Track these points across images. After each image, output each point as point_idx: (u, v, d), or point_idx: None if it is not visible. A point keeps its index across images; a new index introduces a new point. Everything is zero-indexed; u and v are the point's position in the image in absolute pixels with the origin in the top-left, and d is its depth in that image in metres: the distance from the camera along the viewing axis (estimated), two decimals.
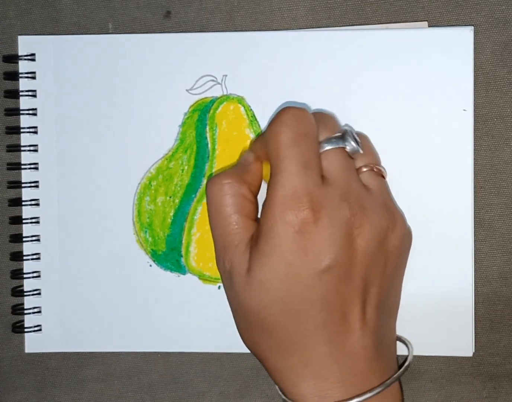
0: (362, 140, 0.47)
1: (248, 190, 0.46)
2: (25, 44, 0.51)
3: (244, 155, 0.48)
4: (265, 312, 0.43)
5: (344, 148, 0.45)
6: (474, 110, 0.50)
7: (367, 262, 0.44)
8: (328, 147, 0.45)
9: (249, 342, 0.46)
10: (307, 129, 0.44)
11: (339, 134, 0.45)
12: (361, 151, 0.46)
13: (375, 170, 0.47)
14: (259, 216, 0.47)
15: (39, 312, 0.52)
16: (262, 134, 0.47)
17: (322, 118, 0.46)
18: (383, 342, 0.45)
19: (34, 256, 0.52)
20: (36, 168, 0.52)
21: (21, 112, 0.52)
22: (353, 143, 0.45)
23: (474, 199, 0.50)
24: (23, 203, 0.52)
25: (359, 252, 0.44)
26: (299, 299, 0.43)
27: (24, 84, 0.51)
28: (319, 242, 0.42)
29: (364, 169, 0.46)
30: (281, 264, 0.43)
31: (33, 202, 0.52)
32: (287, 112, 0.44)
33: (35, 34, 0.52)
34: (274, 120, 0.44)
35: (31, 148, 0.52)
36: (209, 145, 0.51)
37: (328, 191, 0.43)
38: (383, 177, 0.48)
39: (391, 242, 0.45)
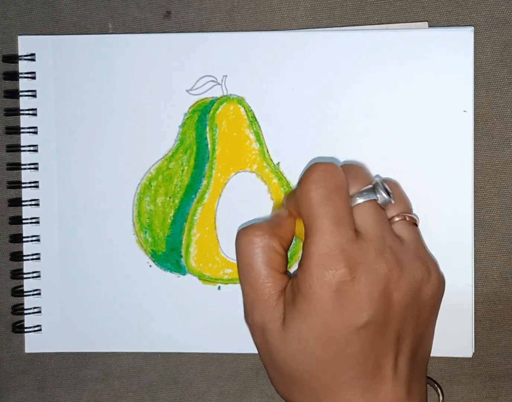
0: (392, 188, 0.46)
1: (278, 244, 0.45)
2: (25, 44, 0.51)
3: (277, 210, 0.48)
4: (300, 367, 0.43)
5: (375, 200, 0.45)
6: (474, 110, 0.50)
7: (402, 315, 0.44)
8: (360, 200, 0.44)
9: (282, 392, 0.46)
10: (338, 184, 0.44)
11: (370, 186, 0.45)
12: (392, 202, 0.45)
13: (407, 219, 0.46)
14: (289, 269, 0.47)
15: (39, 312, 0.52)
16: (294, 190, 0.47)
17: (352, 170, 0.46)
18: (414, 390, 0.45)
19: (34, 256, 0.52)
20: (36, 168, 0.52)
21: (21, 112, 0.52)
22: (384, 195, 0.45)
23: (474, 199, 0.50)
24: (23, 203, 0.52)
25: (395, 306, 0.43)
26: (335, 355, 0.43)
27: (24, 84, 0.51)
28: (357, 300, 0.42)
29: (397, 219, 0.46)
30: (319, 322, 0.42)
31: (33, 202, 0.52)
32: (316, 169, 0.44)
33: (35, 34, 0.52)
34: (304, 178, 0.44)
35: (31, 148, 0.52)
36: (209, 146, 0.51)
37: (363, 247, 0.43)
38: (416, 225, 0.47)
39: (425, 292, 0.45)
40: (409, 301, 0.44)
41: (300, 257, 0.44)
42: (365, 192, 0.45)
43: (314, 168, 0.44)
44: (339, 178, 0.44)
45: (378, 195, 0.45)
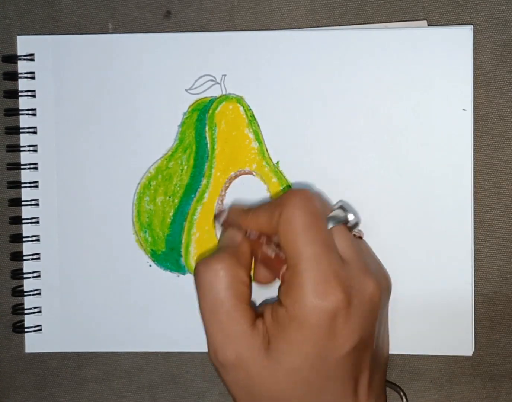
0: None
1: (244, 274, 0.44)
2: (24, 44, 0.52)
3: (230, 234, 0.47)
4: (288, 393, 0.43)
5: (346, 223, 0.45)
6: (474, 110, 0.50)
7: (377, 328, 0.44)
8: (332, 224, 0.44)
9: None
10: (320, 208, 0.44)
11: (341, 209, 0.45)
12: (360, 223, 0.46)
13: (357, 235, 0.47)
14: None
15: (39, 312, 0.52)
16: (265, 209, 0.45)
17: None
18: (381, 397, 0.46)
19: (34, 256, 0.52)
20: (36, 168, 0.52)
21: (21, 112, 0.52)
22: (353, 216, 0.45)
23: (474, 199, 0.50)
24: (23, 203, 0.52)
25: (376, 321, 0.44)
26: (325, 379, 0.43)
27: (23, 84, 0.52)
28: (350, 323, 0.42)
29: None
30: (313, 350, 0.42)
31: (32, 202, 0.52)
32: (297, 194, 0.43)
33: (35, 34, 0.52)
34: (285, 204, 0.43)
35: (31, 148, 0.52)
36: (208, 145, 0.51)
37: (349, 270, 0.43)
38: (361, 238, 0.48)
39: (384, 298, 0.46)
40: (383, 312, 0.45)
41: (284, 287, 0.43)
42: (337, 216, 0.45)
43: (295, 193, 0.43)
44: (320, 202, 0.44)
45: (349, 218, 0.45)
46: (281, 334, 0.42)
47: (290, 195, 0.43)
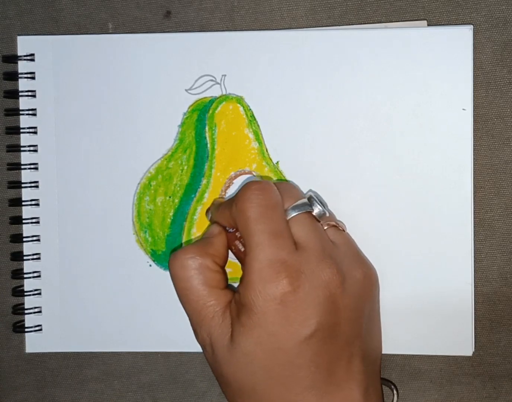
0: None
1: (212, 262, 0.46)
2: (24, 44, 0.52)
3: (209, 230, 0.48)
4: (250, 381, 0.44)
5: (310, 212, 0.46)
6: (474, 110, 0.50)
7: (350, 317, 0.44)
8: (294, 213, 0.45)
9: None
10: (272, 200, 0.44)
11: (305, 199, 0.46)
12: (327, 214, 0.46)
13: (336, 226, 0.47)
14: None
15: (40, 312, 0.52)
16: (227, 203, 0.47)
17: (285, 187, 0.47)
18: (370, 390, 0.46)
19: (34, 256, 0.52)
20: (36, 168, 0.52)
21: (21, 112, 0.52)
22: (319, 207, 0.46)
23: (474, 199, 0.50)
24: (23, 203, 0.52)
25: (342, 309, 0.44)
26: (285, 367, 0.43)
27: (23, 84, 0.52)
28: (302, 309, 0.42)
29: (326, 227, 0.47)
30: (265, 335, 0.43)
31: (33, 202, 0.52)
32: (250, 188, 0.45)
33: (35, 34, 0.52)
34: (240, 197, 0.45)
35: (31, 148, 0.52)
36: (209, 145, 0.51)
37: (303, 256, 0.43)
38: (344, 231, 0.48)
39: (367, 289, 0.46)
40: (355, 302, 0.44)
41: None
42: (300, 205, 0.45)
43: (248, 187, 0.45)
44: (273, 194, 0.45)
45: (313, 207, 0.46)
46: (238, 318, 0.43)
47: (243, 189, 0.45)
